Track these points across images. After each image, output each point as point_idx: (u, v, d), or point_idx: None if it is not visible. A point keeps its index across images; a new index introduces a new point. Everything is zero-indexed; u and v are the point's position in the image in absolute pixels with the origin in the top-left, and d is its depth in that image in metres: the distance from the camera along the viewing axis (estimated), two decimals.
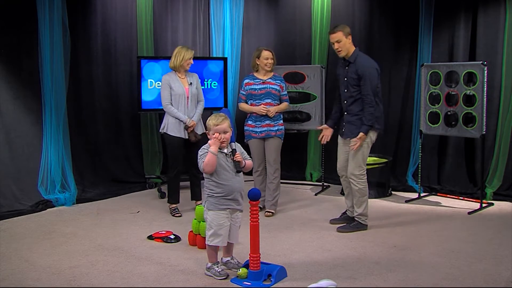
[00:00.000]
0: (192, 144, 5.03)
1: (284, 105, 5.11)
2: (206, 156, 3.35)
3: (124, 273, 3.54)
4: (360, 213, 4.49)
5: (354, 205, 4.53)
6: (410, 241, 4.22)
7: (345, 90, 4.47)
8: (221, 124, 3.38)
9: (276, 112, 5.02)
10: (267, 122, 5.01)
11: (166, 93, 4.96)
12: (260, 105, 5.00)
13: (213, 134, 3.38)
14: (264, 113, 4.97)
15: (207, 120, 3.46)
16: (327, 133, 4.73)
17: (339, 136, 4.66)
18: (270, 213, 5.04)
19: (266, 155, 5.11)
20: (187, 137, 4.99)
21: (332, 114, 4.75)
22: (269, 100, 5.01)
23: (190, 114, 5.01)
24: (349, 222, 4.59)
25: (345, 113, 4.52)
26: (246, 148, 4.95)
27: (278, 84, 5.06)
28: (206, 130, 3.46)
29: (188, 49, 5.01)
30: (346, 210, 4.77)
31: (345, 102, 4.49)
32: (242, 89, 5.15)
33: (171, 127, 4.99)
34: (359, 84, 4.35)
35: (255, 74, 5.12)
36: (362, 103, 4.37)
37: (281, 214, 5.09)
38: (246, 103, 5.12)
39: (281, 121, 5.11)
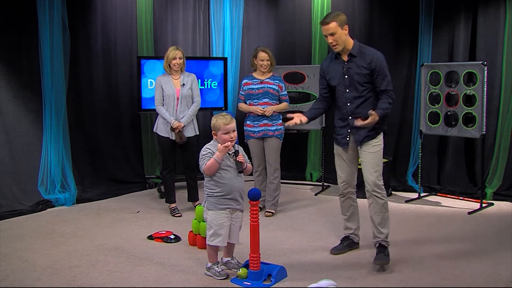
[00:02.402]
0: (183, 145, 5.03)
1: (283, 105, 5.09)
2: (209, 159, 3.36)
3: (124, 273, 3.54)
4: (387, 234, 3.74)
5: (377, 226, 3.73)
6: (410, 241, 4.22)
7: (347, 90, 3.73)
8: (230, 123, 3.40)
9: (274, 112, 5.00)
10: (265, 121, 5.00)
11: (157, 94, 4.99)
12: (257, 105, 5.00)
13: (223, 134, 3.38)
14: (260, 113, 4.97)
15: (214, 121, 3.43)
16: (300, 119, 3.75)
17: (337, 147, 3.89)
18: (270, 213, 5.03)
19: (265, 155, 5.11)
20: (173, 138, 4.99)
21: (314, 108, 3.96)
22: (267, 100, 5.00)
23: (180, 115, 4.99)
24: (379, 251, 3.72)
25: (349, 117, 3.74)
26: (246, 148, 4.96)
27: (277, 84, 5.05)
28: (213, 131, 3.45)
29: (173, 49, 4.97)
30: (348, 235, 4.00)
31: (349, 104, 3.73)
32: (241, 89, 5.15)
33: (160, 127, 5.02)
34: (370, 81, 3.66)
35: (254, 74, 5.12)
36: (374, 101, 3.67)
37: (281, 214, 5.09)
38: (245, 103, 5.12)
39: (280, 121, 5.07)
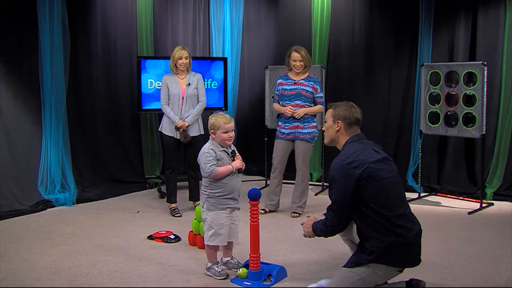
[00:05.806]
0: (187, 144, 5.04)
1: (318, 108, 4.92)
2: (215, 163, 3.38)
3: (124, 273, 3.54)
4: None
5: None
6: None
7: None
8: (230, 122, 3.42)
9: (306, 114, 4.86)
10: (296, 123, 4.88)
11: (163, 93, 5.02)
12: (289, 106, 4.91)
13: (222, 133, 3.39)
14: (290, 115, 4.87)
15: (213, 120, 3.43)
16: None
17: None
18: (297, 214, 4.97)
19: (295, 158, 5.02)
20: (178, 137, 5.00)
21: None
22: (299, 102, 4.86)
23: (185, 115, 5.00)
24: None
25: None
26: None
27: (311, 85, 4.88)
28: (211, 130, 3.45)
29: (180, 49, 4.98)
30: None
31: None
32: (275, 89, 5.07)
33: (165, 126, 5.04)
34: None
35: (289, 74, 4.99)
36: (368, 224, 2.94)
37: (281, 214, 5.08)
38: (279, 103, 5.02)
39: (314, 124, 4.94)
